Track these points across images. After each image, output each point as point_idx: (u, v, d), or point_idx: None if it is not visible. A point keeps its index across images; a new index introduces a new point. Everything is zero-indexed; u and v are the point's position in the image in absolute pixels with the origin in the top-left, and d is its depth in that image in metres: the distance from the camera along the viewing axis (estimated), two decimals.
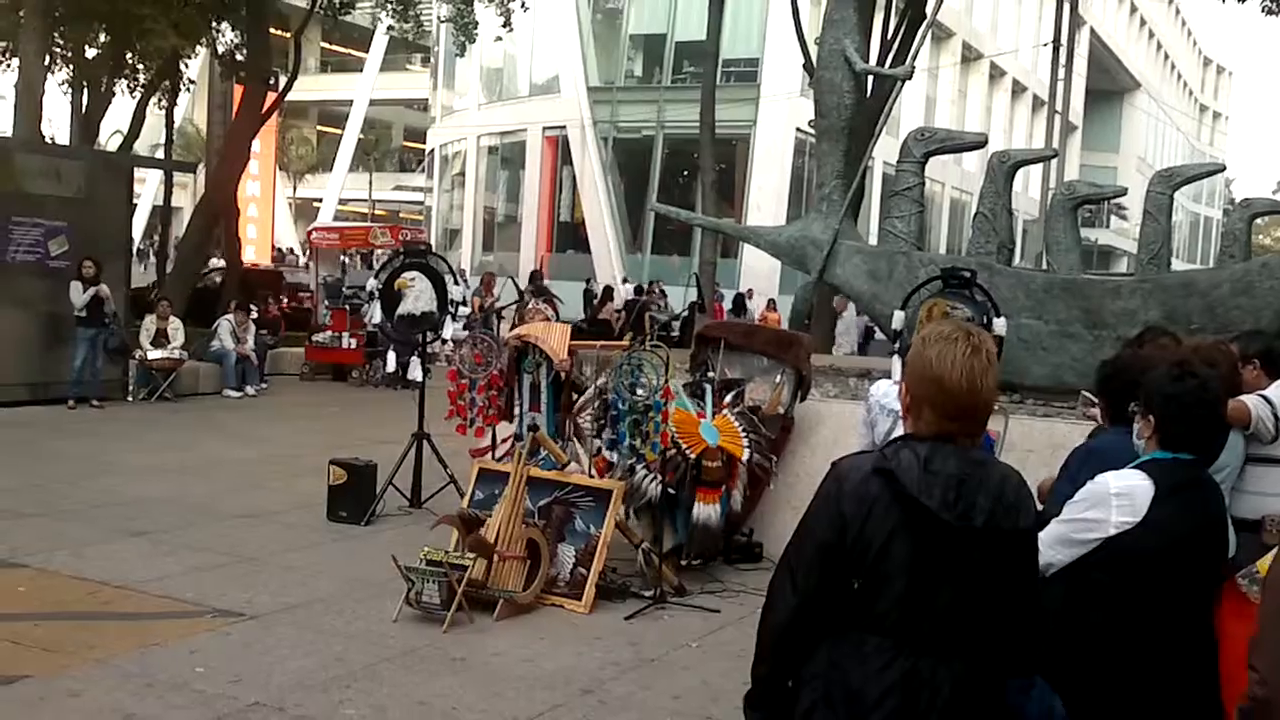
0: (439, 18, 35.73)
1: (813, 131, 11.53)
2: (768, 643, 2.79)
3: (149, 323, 15.93)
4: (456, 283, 10.04)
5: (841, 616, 2.69)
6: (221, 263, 24.01)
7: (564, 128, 40.33)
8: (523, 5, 24.43)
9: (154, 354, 15.66)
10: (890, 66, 16.47)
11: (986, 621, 2.68)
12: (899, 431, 6.54)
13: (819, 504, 2.74)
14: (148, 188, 46.29)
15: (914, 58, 11.99)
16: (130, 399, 15.45)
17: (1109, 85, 61.95)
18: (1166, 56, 73.53)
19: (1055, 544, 3.36)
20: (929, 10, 16.21)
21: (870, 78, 13.14)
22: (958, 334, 2.71)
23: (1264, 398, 5.04)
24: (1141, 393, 3.52)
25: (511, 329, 12.05)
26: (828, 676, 2.69)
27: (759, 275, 31.55)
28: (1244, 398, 4.95)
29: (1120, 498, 3.28)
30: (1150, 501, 3.26)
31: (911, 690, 2.61)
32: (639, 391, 7.39)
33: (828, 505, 2.70)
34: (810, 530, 2.74)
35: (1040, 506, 3.28)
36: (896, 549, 2.62)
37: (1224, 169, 21.28)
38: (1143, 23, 68.47)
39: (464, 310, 9.98)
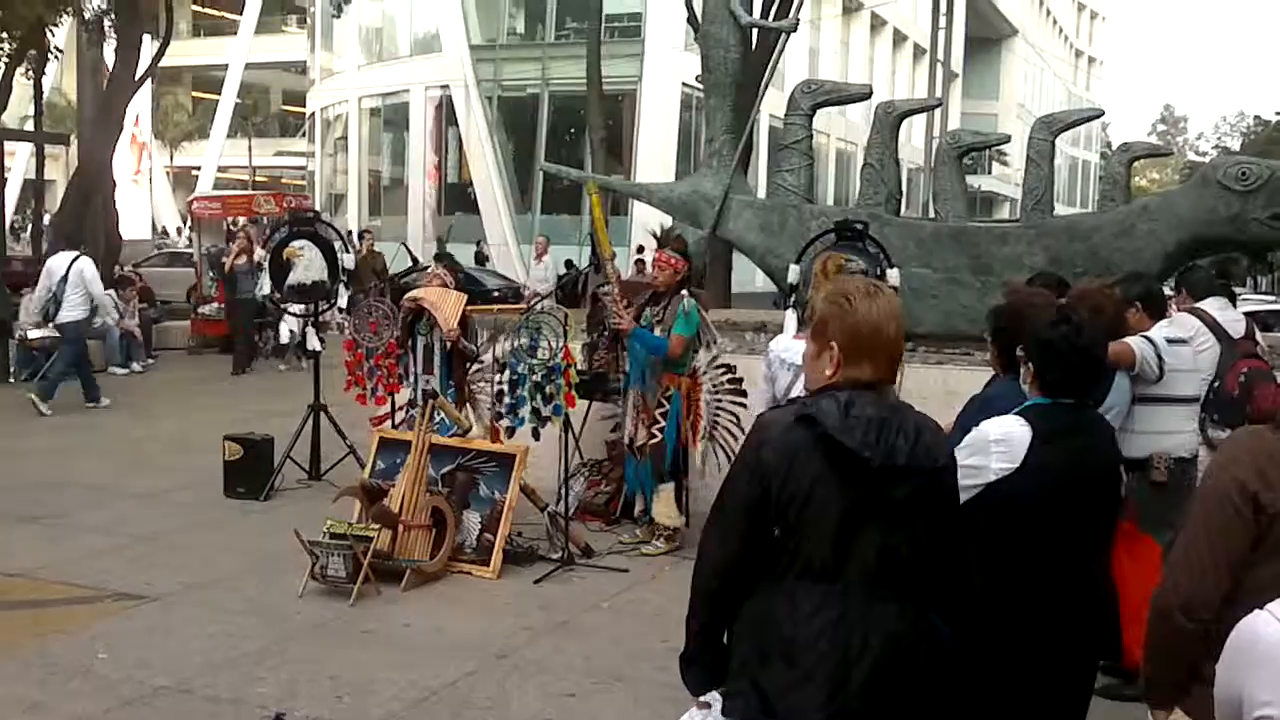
0: None
1: (699, 86, 11.53)
2: (700, 597, 2.85)
3: (29, 301, 15.43)
4: (347, 250, 9.90)
5: (771, 566, 2.74)
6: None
7: (447, 87, 39.78)
8: None
9: (34, 333, 15.19)
10: (775, 19, 16.51)
11: (912, 560, 2.76)
12: (799, 385, 6.62)
13: (743, 458, 2.81)
14: (17, 161, 44.67)
15: (798, 9, 12.00)
16: (12, 380, 14.99)
17: (988, 33, 62.81)
18: (1042, 2, 74.78)
19: None
20: None
21: (755, 31, 13.21)
22: (871, 288, 2.83)
23: (1147, 339, 5.21)
24: (1022, 340, 3.59)
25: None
26: (760, 629, 2.74)
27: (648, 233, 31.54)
28: (1128, 339, 5.10)
29: (999, 444, 3.34)
30: (1028, 447, 3.31)
31: (842, 633, 2.68)
32: (539, 354, 7.38)
33: (751, 458, 2.76)
34: (735, 484, 2.80)
35: None
36: (821, 494, 2.68)
37: (1103, 114, 21.77)
38: None
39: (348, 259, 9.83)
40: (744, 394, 7.71)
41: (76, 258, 13.59)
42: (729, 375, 7.82)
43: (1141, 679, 2.79)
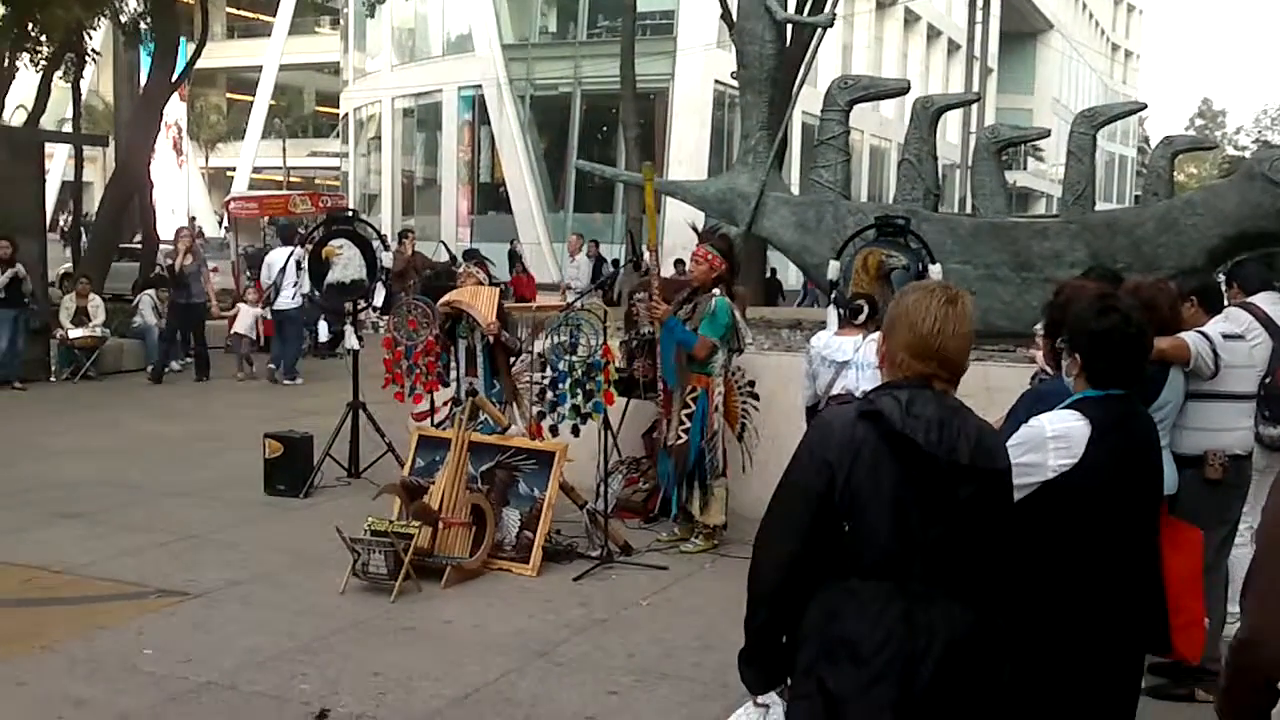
0: None
1: (732, 83, 11.47)
2: (760, 594, 2.80)
3: (68, 301, 15.60)
4: (386, 248, 9.93)
5: (832, 565, 2.71)
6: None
7: (480, 87, 39.86)
8: None
9: (75, 333, 15.35)
10: (810, 14, 16.46)
11: (973, 561, 2.73)
12: (841, 382, 6.60)
13: (804, 453, 2.78)
14: (55, 163, 45.09)
15: (834, 5, 11.95)
16: (53, 379, 15.14)
17: (1022, 27, 62.37)
18: None
19: None
20: None
21: (790, 26, 13.15)
22: (936, 287, 2.85)
23: (1203, 334, 5.12)
24: (1066, 330, 3.50)
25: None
26: (825, 628, 2.71)
27: (684, 230, 31.46)
28: (1183, 335, 5.02)
29: (1057, 440, 3.22)
30: (1087, 442, 3.21)
31: (909, 634, 2.65)
32: (579, 351, 7.36)
33: (813, 453, 2.74)
34: (797, 479, 2.76)
35: None
36: (885, 490, 2.67)
37: (1144, 107, 21.51)
38: None
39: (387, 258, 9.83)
40: (757, 396, 7.73)
41: (293, 251, 14.59)
42: (746, 378, 7.80)
43: None
